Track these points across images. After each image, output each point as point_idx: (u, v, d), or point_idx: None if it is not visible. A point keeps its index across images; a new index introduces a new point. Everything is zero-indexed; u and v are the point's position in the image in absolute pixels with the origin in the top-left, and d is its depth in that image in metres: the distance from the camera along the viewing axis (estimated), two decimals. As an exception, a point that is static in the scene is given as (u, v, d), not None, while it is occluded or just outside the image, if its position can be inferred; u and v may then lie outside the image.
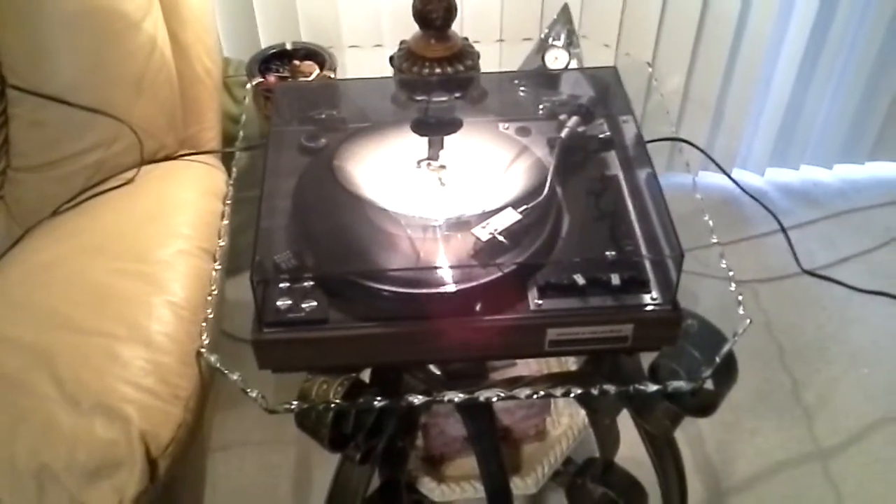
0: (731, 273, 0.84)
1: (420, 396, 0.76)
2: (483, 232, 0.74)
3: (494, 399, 0.79)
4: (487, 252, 0.74)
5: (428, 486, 1.09)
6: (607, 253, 0.75)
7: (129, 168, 1.01)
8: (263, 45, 1.30)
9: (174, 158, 1.05)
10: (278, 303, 0.72)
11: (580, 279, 0.73)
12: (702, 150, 1.29)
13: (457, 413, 1.05)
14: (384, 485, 1.05)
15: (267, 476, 1.30)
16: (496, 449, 1.00)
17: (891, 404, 1.39)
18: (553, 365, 1.15)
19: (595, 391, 0.77)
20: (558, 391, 0.79)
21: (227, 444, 1.30)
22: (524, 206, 0.77)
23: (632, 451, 1.01)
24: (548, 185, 0.79)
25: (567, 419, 1.16)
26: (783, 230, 1.42)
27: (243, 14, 1.40)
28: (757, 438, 1.35)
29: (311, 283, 0.74)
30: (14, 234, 1.01)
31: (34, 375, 0.77)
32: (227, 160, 1.10)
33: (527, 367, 1.13)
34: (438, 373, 0.99)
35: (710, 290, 1.42)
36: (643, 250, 0.77)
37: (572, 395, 0.79)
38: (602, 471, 1.08)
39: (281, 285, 0.73)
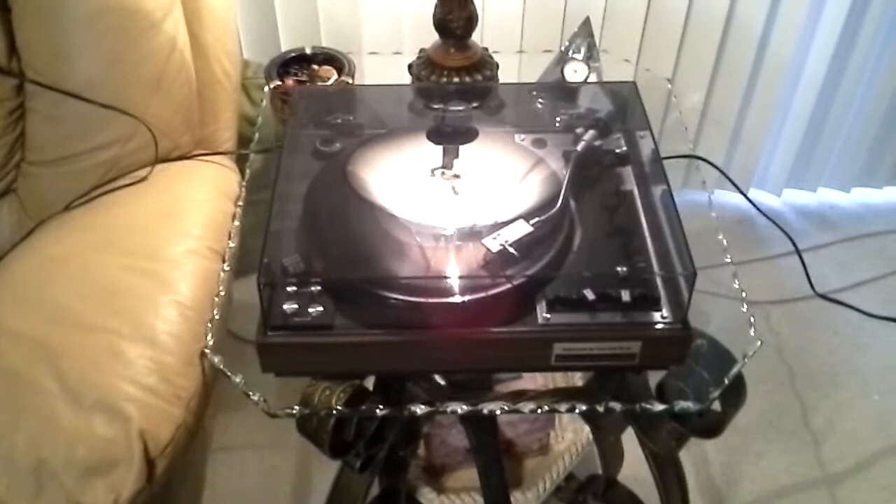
0: (744, 294, 0.83)
1: (423, 406, 0.76)
2: (493, 243, 0.74)
3: (498, 412, 0.78)
4: (497, 263, 0.73)
5: (427, 496, 1.09)
6: (618, 269, 0.74)
7: (143, 166, 1.01)
8: (284, 49, 1.29)
9: (188, 158, 1.05)
10: (284, 306, 0.72)
11: (590, 294, 0.72)
12: (718, 169, 1.28)
13: (460, 424, 1.04)
14: (384, 493, 1.04)
15: (267, 479, 1.30)
16: (498, 462, 1.00)
17: (900, 433, 1.38)
18: (559, 379, 1.14)
19: (600, 408, 0.77)
20: (563, 406, 0.78)
21: (228, 446, 1.30)
22: (536, 219, 0.76)
23: (635, 469, 1.00)
24: (561, 198, 0.79)
25: (571, 434, 1.15)
26: (798, 252, 1.40)
27: (265, 17, 1.40)
28: (763, 461, 1.34)
29: (319, 287, 0.73)
30: (26, 227, 1.02)
31: (37, 370, 0.77)
32: (241, 162, 1.10)
33: (532, 380, 1.12)
34: (443, 383, 0.99)
35: (722, 310, 1.40)
36: (655, 267, 0.76)
37: (577, 411, 0.78)
38: (604, 488, 1.08)
39: (288, 289, 0.73)
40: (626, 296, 0.72)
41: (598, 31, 1.45)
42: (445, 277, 0.74)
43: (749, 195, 1.65)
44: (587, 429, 1.13)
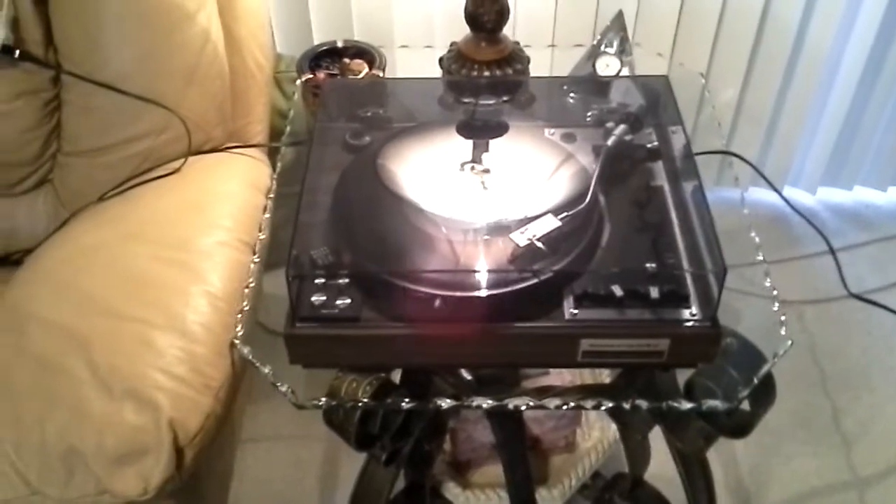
0: (775, 292, 0.82)
1: (448, 400, 0.76)
2: (521, 237, 0.74)
3: (523, 407, 0.78)
4: (524, 258, 0.73)
5: (453, 491, 1.09)
6: (647, 265, 0.73)
7: (176, 158, 1.02)
8: (317, 42, 1.30)
9: (221, 150, 1.06)
10: (312, 298, 0.72)
11: (618, 290, 0.71)
12: (752, 165, 1.26)
13: (486, 419, 1.04)
14: (409, 487, 1.04)
15: (294, 470, 1.31)
16: (524, 458, 0.99)
17: (935, 437, 1.35)
18: (587, 376, 1.13)
19: (627, 406, 0.76)
20: (589, 403, 0.77)
21: (257, 437, 1.31)
22: (564, 213, 0.76)
23: (662, 468, 0.99)
24: (590, 192, 0.78)
25: (598, 432, 1.14)
26: (832, 251, 1.38)
27: (298, 11, 1.40)
28: (793, 463, 1.32)
29: (347, 280, 0.73)
30: (61, 217, 1.03)
31: (68, 358, 0.78)
32: (273, 155, 1.10)
33: (560, 376, 1.11)
34: (469, 377, 0.99)
35: (754, 309, 1.38)
36: (685, 264, 0.75)
37: (603, 408, 0.77)
38: (631, 487, 1.07)
39: (316, 281, 0.73)
40: (654, 292, 0.71)
41: (631, 25, 1.44)
42: (472, 271, 0.73)
43: (783, 193, 1.63)
44: (614, 427, 1.12)
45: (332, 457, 1.32)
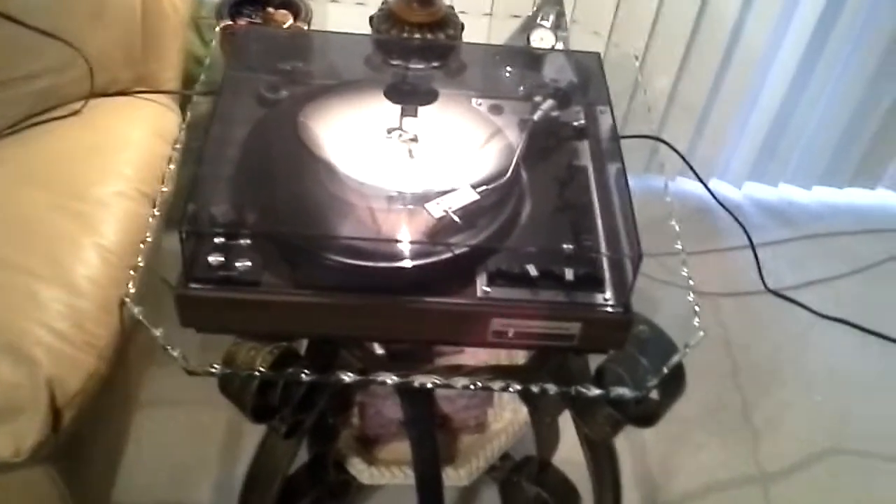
0: (691, 282, 0.81)
1: (351, 375, 0.72)
2: (436, 208, 0.70)
3: (429, 385, 0.75)
4: (438, 230, 0.70)
5: (357, 467, 1.05)
6: (564, 246, 0.71)
7: (78, 99, 0.96)
8: (245, -10, 1.24)
9: (127, 94, 1.00)
10: (210, 258, 0.67)
11: (533, 270, 0.69)
12: (677, 152, 1.25)
13: (395, 395, 1.01)
14: (312, 461, 1.01)
15: (195, 437, 1.26)
16: (432, 436, 0.97)
17: (839, 435, 1.37)
18: (502, 356, 1.11)
19: (535, 389, 0.74)
20: (497, 384, 0.75)
21: (156, 400, 1.25)
22: (483, 187, 0.73)
23: (571, 453, 0.98)
24: (512, 167, 0.75)
25: (510, 414, 1.12)
26: (751, 245, 1.39)
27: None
28: (701, 454, 1.33)
29: (249, 241, 0.69)
30: (-48, 155, 0.96)
31: (-58, 307, 0.72)
32: (185, 103, 1.04)
33: (475, 355, 1.09)
34: (381, 351, 0.95)
35: (673, 299, 1.39)
36: (602, 247, 0.73)
37: (511, 390, 0.75)
38: (538, 470, 1.05)
39: (215, 240, 0.68)
40: (569, 274, 0.69)
41: (570, 2, 1.41)
42: (381, 240, 0.70)
43: (711, 185, 1.64)
44: (526, 409, 1.10)
45: (235, 425, 1.27)
